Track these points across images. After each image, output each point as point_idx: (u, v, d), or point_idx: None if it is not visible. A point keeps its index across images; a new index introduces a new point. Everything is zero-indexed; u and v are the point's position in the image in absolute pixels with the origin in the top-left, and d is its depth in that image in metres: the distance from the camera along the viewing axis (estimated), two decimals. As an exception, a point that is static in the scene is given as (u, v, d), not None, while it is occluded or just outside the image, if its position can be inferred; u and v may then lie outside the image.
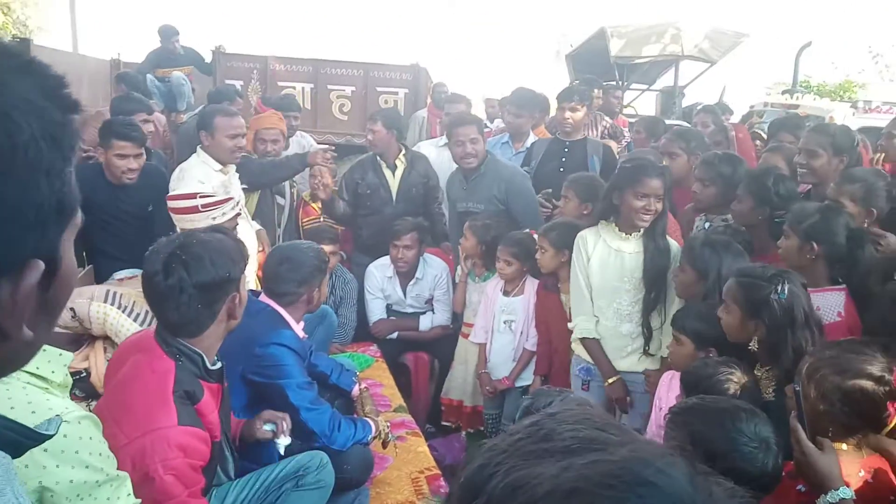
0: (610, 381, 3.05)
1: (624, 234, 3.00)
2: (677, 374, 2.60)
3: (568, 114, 4.38)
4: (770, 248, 2.79)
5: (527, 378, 3.69)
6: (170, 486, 1.69)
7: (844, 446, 1.75)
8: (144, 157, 3.69)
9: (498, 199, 3.93)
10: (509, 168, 4.09)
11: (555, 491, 0.51)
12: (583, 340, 3.10)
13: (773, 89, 12.85)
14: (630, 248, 3.00)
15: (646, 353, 3.04)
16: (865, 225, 2.69)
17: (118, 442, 1.67)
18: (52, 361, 1.31)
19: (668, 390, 2.61)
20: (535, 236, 3.64)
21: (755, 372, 2.21)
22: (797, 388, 1.75)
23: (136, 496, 1.59)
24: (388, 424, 2.77)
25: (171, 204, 3.13)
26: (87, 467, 1.25)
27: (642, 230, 2.96)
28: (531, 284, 3.68)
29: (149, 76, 7.24)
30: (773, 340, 2.15)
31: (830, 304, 2.42)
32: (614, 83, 8.67)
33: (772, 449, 1.62)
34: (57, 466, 1.21)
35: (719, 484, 0.55)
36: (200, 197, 3.07)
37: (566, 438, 0.57)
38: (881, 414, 1.71)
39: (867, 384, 1.70)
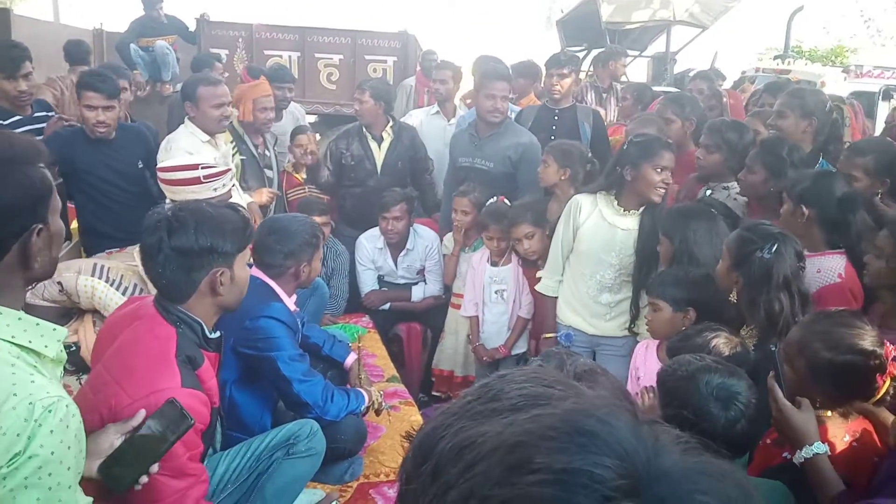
0: (545, 335, 3.26)
1: (622, 210, 3.00)
2: (653, 344, 2.63)
3: (556, 80, 4.34)
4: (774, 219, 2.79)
5: (520, 346, 3.73)
6: (173, 446, 1.69)
7: (829, 413, 1.77)
8: (117, 111, 3.63)
9: (511, 160, 3.88)
10: (528, 135, 4.03)
11: (499, 447, 0.52)
12: (543, 295, 3.30)
13: (765, 55, 12.77)
14: (625, 225, 3.00)
15: (630, 331, 3.07)
16: (879, 196, 2.70)
17: (121, 402, 1.69)
18: (46, 336, 1.30)
19: (645, 359, 2.64)
20: (506, 201, 3.69)
21: (741, 332, 2.23)
22: (773, 349, 1.77)
23: None
24: (382, 393, 2.78)
25: (168, 175, 3.04)
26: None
27: (641, 209, 2.97)
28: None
29: (132, 46, 7.11)
30: (749, 296, 2.18)
31: (830, 266, 2.43)
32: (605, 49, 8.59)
33: (733, 406, 1.62)
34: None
35: (666, 432, 0.55)
36: (202, 168, 3.01)
37: (513, 397, 0.59)
38: (871, 387, 1.72)
39: (858, 360, 1.69)
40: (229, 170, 3.15)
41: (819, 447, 1.63)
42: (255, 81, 4.47)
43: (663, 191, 2.92)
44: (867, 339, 1.72)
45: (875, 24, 18.53)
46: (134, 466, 1.56)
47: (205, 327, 1.91)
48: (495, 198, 3.75)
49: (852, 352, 1.70)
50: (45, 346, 1.30)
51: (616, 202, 3.01)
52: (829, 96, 3.72)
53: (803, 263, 2.25)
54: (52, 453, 1.20)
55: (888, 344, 1.73)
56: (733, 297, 2.27)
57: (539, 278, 3.36)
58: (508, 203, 3.69)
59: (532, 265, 3.51)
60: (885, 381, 1.71)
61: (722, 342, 2.06)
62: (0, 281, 1.29)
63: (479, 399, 0.60)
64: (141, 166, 3.66)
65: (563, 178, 3.46)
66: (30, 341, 1.28)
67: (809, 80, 7.61)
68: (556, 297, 3.25)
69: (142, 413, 1.62)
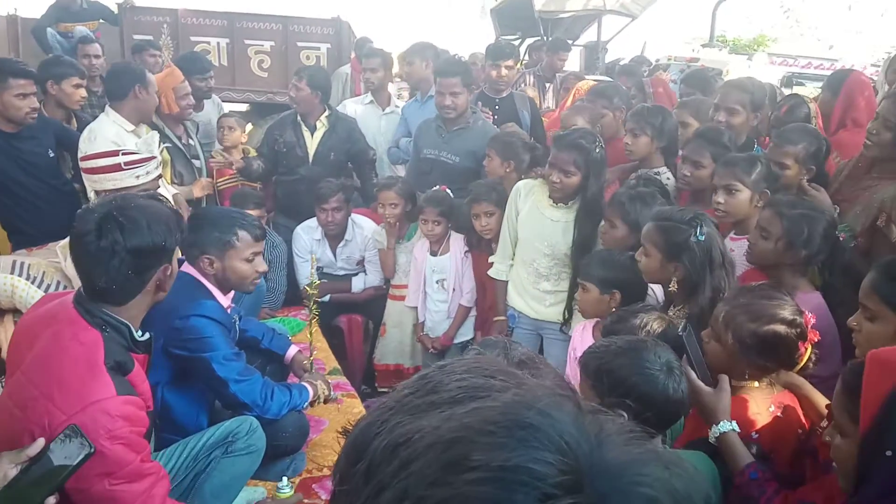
0: (496, 318, 3.27)
1: (550, 202, 3.04)
2: (589, 324, 2.69)
3: (504, 71, 4.40)
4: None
5: (466, 333, 3.75)
6: (121, 454, 1.65)
7: (756, 383, 1.86)
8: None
9: (477, 156, 3.84)
10: (496, 131, 3.98)
11: (436, 443, 0.50)
12: (494, 281, 3.30)
13: (692, 44, 13.15)
14: (554, 216, 3.05)
15: (562, 331, 3.09)
16: (805, 181, 2.78)
17: (56, 420, 1.61)
18: None
19: (582, 340, 2.69)
20: (447, 191, 3.70)
21: (669, 311, 2.29)
22: (681, 334, 1.86)
23: (87, 471, 1.55)
24: (330, 383, 2.74)
25: (89, 164, 2.93)
26: None
27: (571, 203, 3.00)
28: (455, 241, 3.72)
29: (49, 31, 6.74)
30: (692, 281, 2.23)
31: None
32: (540, 38, 8.68)
33: (674, 372, 1.66)
34: None
35: (612, 421, 0.53)
36: (123, 154, 2.90)
37: (452, 389, 0.56)
38: (794, 354, 1.82)
39: (780, 328, 1.80)
40: (153, 157, 3.03)
41: (725, 426, 1.71)
42: (165, 71, 4.28)
43: (554, 188, 2.94)
44: (787, 309, 1.83)
45: (794, 14, 19.33)
46: (30, 498, 1.46)
47: (132, 329, 1.83)
48: (437, 187, 3.74)
49: (774, 321, 1.80)
50: None
51: (548, 193, 3.05)
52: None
53: (722, 237, 2.33)
54: None
55: (807, 313, 1.83)
56: (673, 287, 2.28)
57: (491, 264, 3.38)
58: (450, 193, 3.68)
59: (484, 249, 3.51)
60: (806, 349, 1.81)
61: (655, 323, 2.11)
62: None
63: (416, 392, 0.57)
64: (52, 155, 3.49)
65: (507, 170, 3.48)
66: None
67: (716, 68, 7.89)
68: (507, 282, 3.27)
69: (41, 442, 1.53)
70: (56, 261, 2.82)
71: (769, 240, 2.29)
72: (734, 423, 1.72)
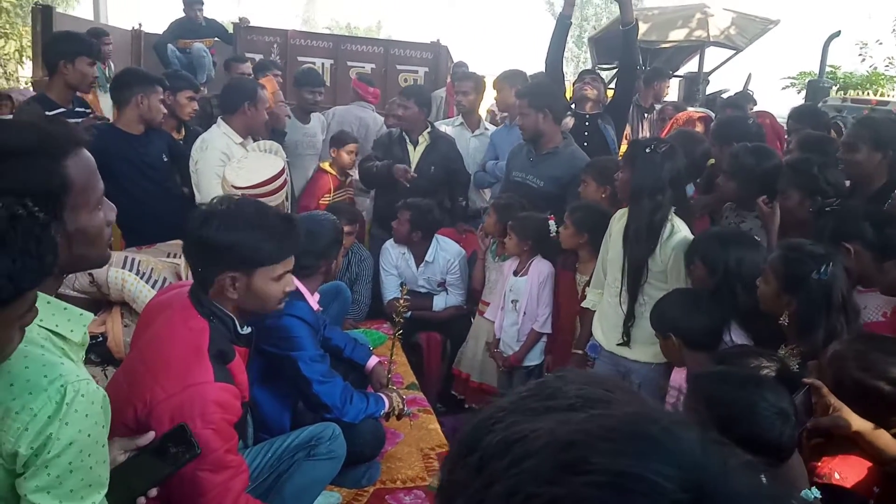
0: (574, 351, 3.19)
1: None
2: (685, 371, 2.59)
3: (588, 86, 4.56)
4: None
5: (534, 358, 3.69)
6: (209, 439, 1.70)
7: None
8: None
9: (562, 182, 3.84)
10: (585, 160, 3.91)
11: (551, 443, 0.49)
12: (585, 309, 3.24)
13: (800, 79, 12.62)
14: None
15: (625, 342, 2.89)
16: None
17: (157, 397, 1.71)
18: (72, 321, 1.33)
19: (682, 384, 2.59)
20: (552, 222, 3.64)
21: (780, 351, 2.17)
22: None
23: None
24: (405, 399, 2.77)
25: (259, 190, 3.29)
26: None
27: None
28: (537, 266, 3.67)
29: (170, 46, 7.23)
30: (805, 319, 2.10)
31: (877, 303, 2.34)
32: (639, 68, 8.55)
33: (790, 419, 1.56)
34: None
35: (736, 455, 0.51)
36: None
37: (571, 397, 0.55)
38: (889, 418, 1.68)
39: (885, 387, 1.67)
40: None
41: (808, 494, 1.51)
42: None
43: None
44: None
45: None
46: (133, 486, 1.51)
47: (237, 323, 1.92)
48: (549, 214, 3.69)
49: (882, 378, 1.68)
50: (71, 331, 1.32)
51: None
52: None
53: (849, 281, 2.17)
54: (89, 435, 1.23)
55: None
56: (784, 320, 2.18)
57: (572, 286, 3.36)
58: (555, 224, 3.61)
59: (570, 268, 3.50)
60: None
61: (765, 368, 2.02)
62: None
63: (534, 396, 0.57)
64: (166, 160, 3.74)
65: (603, 195, 3.44)
66: (56, 325, 1.30)
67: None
68: (593, 311, 3.17)
69: (150, 434, 1.62)
70: (165, 260, 3.01)
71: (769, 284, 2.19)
72: (815, 490, 1.55)
